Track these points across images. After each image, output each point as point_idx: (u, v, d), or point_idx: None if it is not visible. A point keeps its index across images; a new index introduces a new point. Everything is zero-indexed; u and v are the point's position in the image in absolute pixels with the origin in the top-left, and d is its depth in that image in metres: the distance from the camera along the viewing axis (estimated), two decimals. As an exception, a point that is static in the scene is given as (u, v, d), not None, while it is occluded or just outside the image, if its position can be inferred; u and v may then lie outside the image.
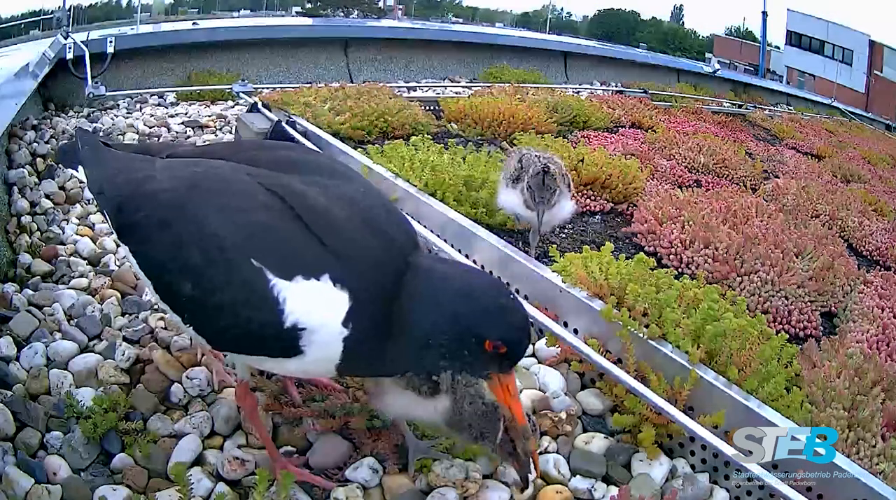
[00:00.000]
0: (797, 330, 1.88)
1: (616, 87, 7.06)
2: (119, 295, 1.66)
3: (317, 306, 0.90)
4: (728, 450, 1.14)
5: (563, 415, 1.36)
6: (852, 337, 1.81)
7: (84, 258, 1.88)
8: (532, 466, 1.08)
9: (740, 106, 7.15)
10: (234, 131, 3.12)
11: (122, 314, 1.59)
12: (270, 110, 2.90)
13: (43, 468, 1.11)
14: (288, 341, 0.92)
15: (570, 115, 3.86)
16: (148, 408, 1.27)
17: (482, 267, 1.81)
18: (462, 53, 6.73)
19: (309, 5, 15.36)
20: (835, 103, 10.56)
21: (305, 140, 2.60)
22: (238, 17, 12.16)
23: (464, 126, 3.44)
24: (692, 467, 1.29)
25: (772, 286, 1.96)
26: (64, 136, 2.88)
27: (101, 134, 3.14)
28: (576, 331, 1.54)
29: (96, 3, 9.23)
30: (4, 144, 2.51)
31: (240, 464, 1.14)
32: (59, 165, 2.20)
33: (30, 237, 1.94)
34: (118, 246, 1.88)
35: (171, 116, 3.61)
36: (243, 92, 3.62)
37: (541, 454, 1.25)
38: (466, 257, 1.86)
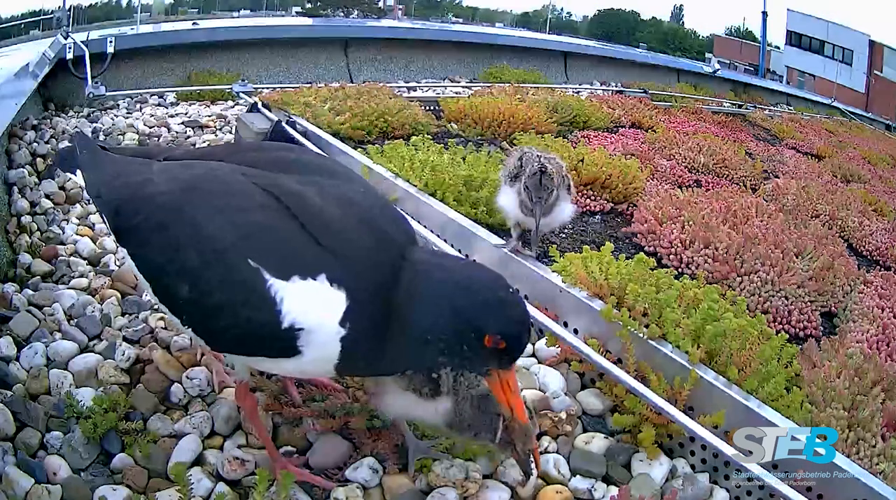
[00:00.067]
0: (797, 330, 1.88)
1: (616, 87, 7.06)
2: (119, 295, 1.66)
3: (314, 306, 0.90)
4: (728, 450, 1.14)
5: (563, 415, 1.36)
6: (852, 337, 1.81)
7: (84, 258, 1.88)
8: (533, 464, 1.08)
9: (740, 106, 7.15)
10: (234, 131, 3.11)
11: (122, 314, 1.60)
12: (270, 110, 2.90)
13: (43, 468, 1.11)
14: (286, 342, 0.92)
15: (570, 115, 3.85)
16: (148, 408, 1.27)
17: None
18: (462, 53, 6.73)
19: (309, 5, 15.37)
20: (835, 103, 10.56)
21: (305, 140, 2.60)
22: (238, 17, 12.17)
23: (464, 126, 3.44)
24: (692, 467, 1.29)
25: (772, 286, 1.96)
26: (64, 136, 2.88)
27: (100, 135, 3.14)
28: (576, 331, 1.54)
29: (96, 3, 9.24)
30: (4, 144, 2.51)
31: (240, 464, 1.14)
32: (58, 170, 2.21)
33: (30, 237, 1.95)
34: (118, 246, 1.88)
35: (171, 116, 3.61)
36: (243, 92, 3.62)
37: (541, 453, 1.25)
38: (466, 256, 1.86)
